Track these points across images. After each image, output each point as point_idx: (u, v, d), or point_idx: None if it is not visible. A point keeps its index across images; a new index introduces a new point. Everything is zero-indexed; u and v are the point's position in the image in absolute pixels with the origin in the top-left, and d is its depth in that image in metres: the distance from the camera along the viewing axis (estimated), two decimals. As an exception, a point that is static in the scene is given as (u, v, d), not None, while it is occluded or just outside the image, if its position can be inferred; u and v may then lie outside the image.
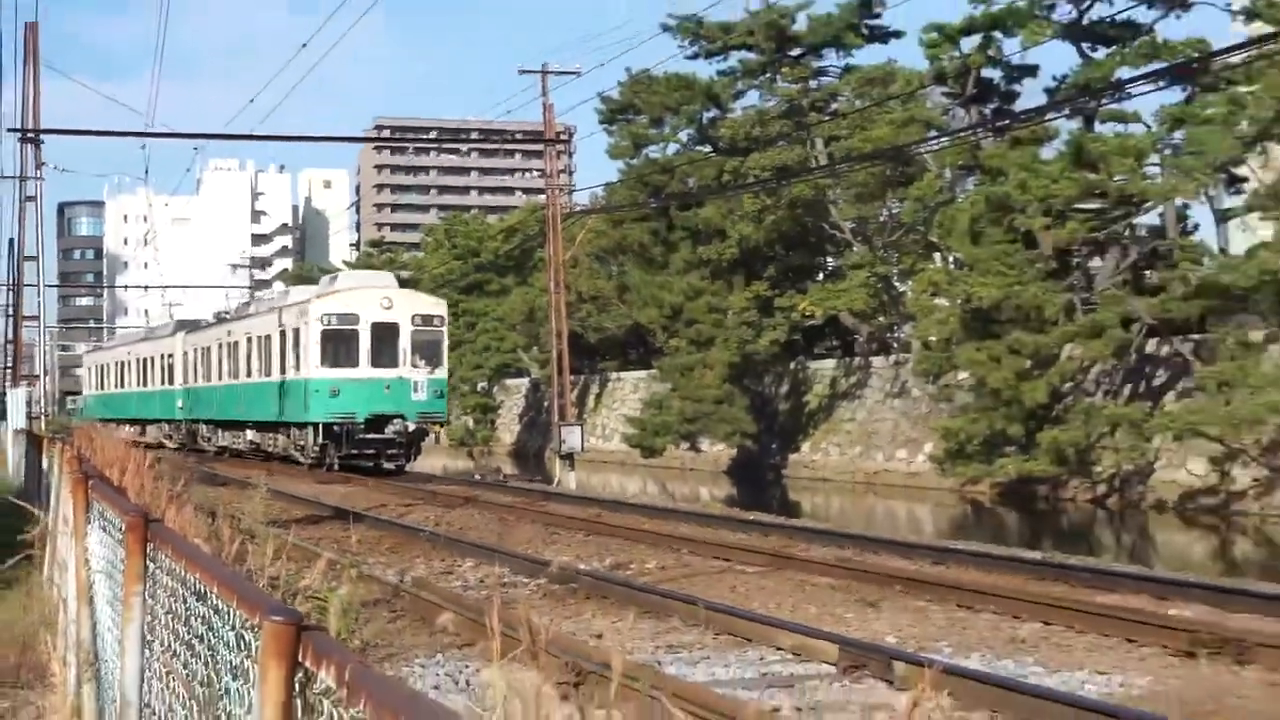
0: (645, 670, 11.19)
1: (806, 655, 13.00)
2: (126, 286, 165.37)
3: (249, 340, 49.71)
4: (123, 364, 74.39)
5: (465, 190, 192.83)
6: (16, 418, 44.28)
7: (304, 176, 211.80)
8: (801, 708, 10.96)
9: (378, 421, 41.31)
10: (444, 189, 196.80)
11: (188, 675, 4.69)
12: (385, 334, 42.13)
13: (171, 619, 5.14)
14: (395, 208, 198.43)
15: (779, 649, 13.38)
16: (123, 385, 73.89)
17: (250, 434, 50.34)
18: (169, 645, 5.18)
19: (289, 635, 3.12)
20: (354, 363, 41.78)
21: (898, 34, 62.83)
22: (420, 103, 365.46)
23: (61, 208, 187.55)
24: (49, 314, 67.16)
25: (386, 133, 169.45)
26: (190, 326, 64.23)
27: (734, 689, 11.45)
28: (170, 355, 62.58)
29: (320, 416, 41.23)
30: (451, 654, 12.98)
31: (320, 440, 42.01)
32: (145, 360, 68.72)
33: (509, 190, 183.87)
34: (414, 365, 42.13)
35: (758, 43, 62.98)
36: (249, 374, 49.35)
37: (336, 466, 41.51)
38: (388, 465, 42.48)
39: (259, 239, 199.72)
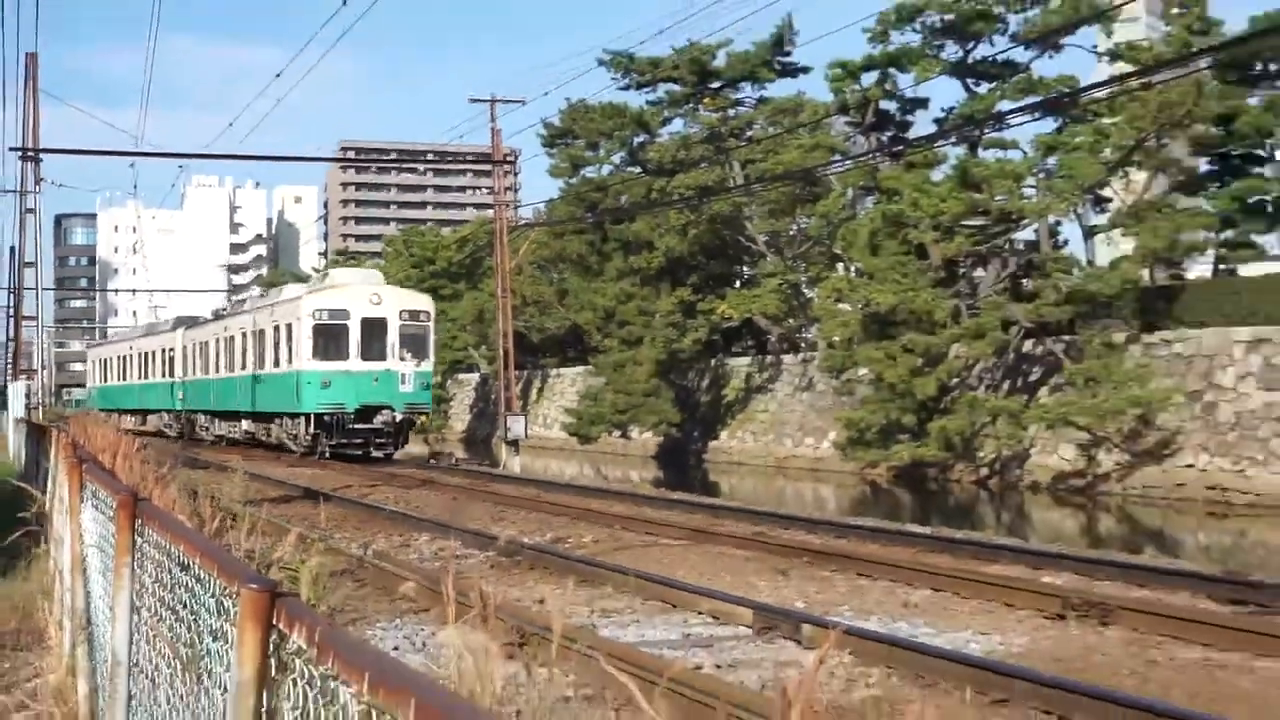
0: (582, 632, 11.19)
1: (725, 619, 13.04)
2: (117, 290, 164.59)
3: (244, 335, 46.88)
4: (125, 358, 71.17)
5: (422, 205, 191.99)
6: (16, 408, 44.22)
7: (277, 192, 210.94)
8: (720, 665, 10.97)
9: (367, 412, 39.41)
10: (403, 204, 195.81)
11: (173, 637, 4.67)
12: (374, 328, 39.99)
13: (158, 587, 5.11)
14: (359, 220, 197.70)
15: (700, 613, 13.41)
16: (125, 378, 70.52)
17: (245, 424, 47.80)
18: (155, 611, 5.16)
19: (264, 601, 3.12)
20: (344, 356, 39.68)
21: (806, 69, 63.24)
22: (382, 127, 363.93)
23: (58, 219, 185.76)
24: (46, 315, 66.35)
25: (351, 154, 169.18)
26: (189, 323, 60.87)
27: (661, 649, 11.46)
28: (170, 349, 59.37)
29: (312, 407, 39.19)
30: (410, 618, 12.95)
31: (312, 430, 39.88)
32: (147, 354, 65.58)
33: (461, 206, 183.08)
34: (402, 358, 40.08)
35: (682, 76, 63.23)
36: (244, 367, 46.74)
37: (328, 455, 39.55)
38: (377, 454, 40.18)
39: (236, 248, 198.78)
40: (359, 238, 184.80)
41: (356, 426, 39.49)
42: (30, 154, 46.04)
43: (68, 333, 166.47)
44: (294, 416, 41.26)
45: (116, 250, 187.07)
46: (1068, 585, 14.51)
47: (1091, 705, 9.08)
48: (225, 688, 3.49)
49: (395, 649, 11.19)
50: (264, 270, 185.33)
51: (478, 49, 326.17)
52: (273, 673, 3.16)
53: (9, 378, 59.48)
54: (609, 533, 21.01)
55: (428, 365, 41.61)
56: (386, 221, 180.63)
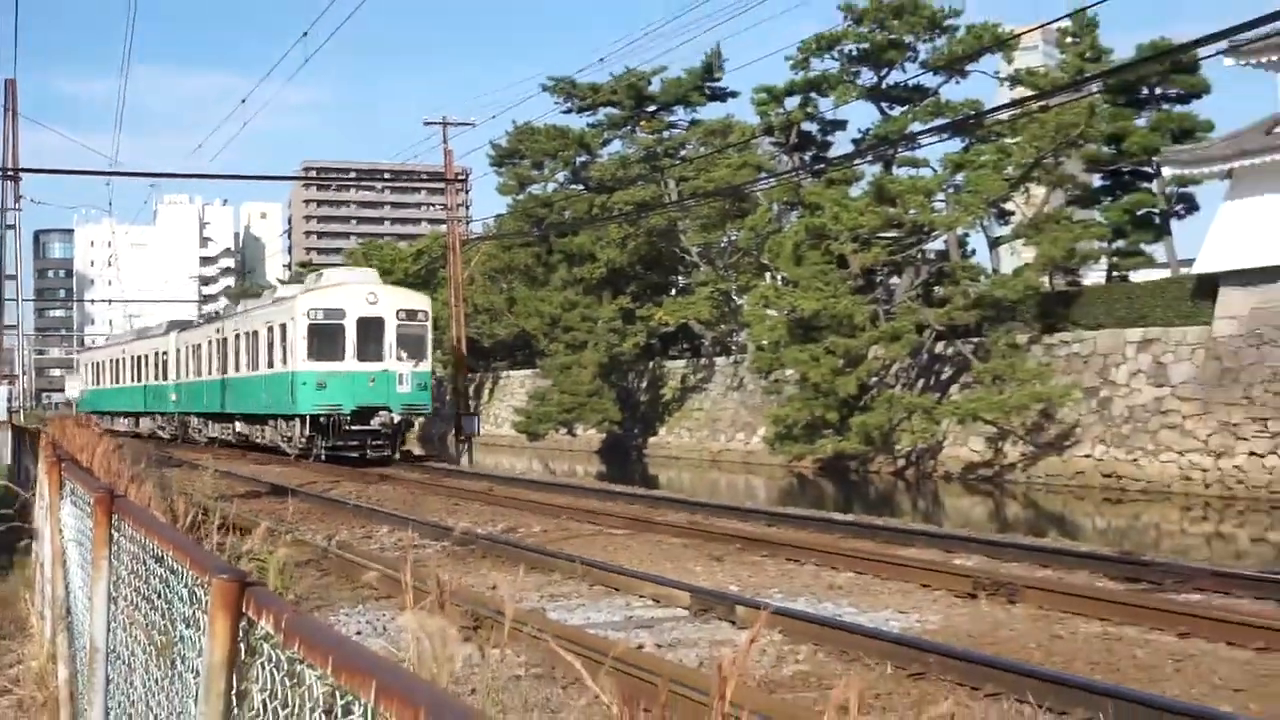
0: (532, 616, 11.15)
1: (664, 602, 13.04)
2: (93, 301, 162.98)
3: (237, 337, 43.35)
4: (118, 361, 66.25)
5: (380, 221, 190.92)
6: None
7: (244, 209, 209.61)
8: (660, 644, 10.97)
9: (364, 413, 35.71)
10: (362, 220, 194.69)
11: (148, 625, 4.62)
12: (371, 328, 36.26)
13: (133, 578, 5.06)
14: (321, 235, 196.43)
15: (642, 597, 13.41)
16: (118, 381, 65.75)
17: (239, 426, 44.06)
18: (131, 600, 5.10)
19: (234, 590, 3.08)
20: (340, 356, 35.90)
21: (734, 94, 63.67)
22: (342, 147, 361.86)
23: (37, 234, 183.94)
24: (26, 324, 66.07)
25: (314, 173, 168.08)
26: (182, 326, 57.37)
27: (605, 630, 11.46)
28: (164, 352, 54.99)
29: (307, 409, 35.51)
30: (372, 605, 12.85)
31: (308, 432, 36.27)
32: (139, 357, 60.59)
33: (416, 221, 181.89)
34: (399, 358, 36.27)
35: (620, 100, 63.43)
36: (237, 369, 43.18)
37: (324, 458, 36.01)
38: (374, 456, 36.32)
39: (206, 261, 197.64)
40: (321, 250, 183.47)
41: (353, 428, 36.09)
42: (10, 174, 45.90)
43: (46, 341, 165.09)
44: (289, 418, 37.78)
45: (93, 263, 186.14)
46: (978, 567, 14.64)
47: (1001, 676, 9.15)
48: (197, 672, 3.45)
49: (358, 633, 11.12)
50: (232, 282, 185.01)
51: (432, 75, 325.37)
52: (242, 656, 3.12)
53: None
54: (556, 523, 20.99)
55: (426, 366, 38.00)
56: (347, 236, 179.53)
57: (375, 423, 35.98)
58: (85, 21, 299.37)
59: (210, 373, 46.64)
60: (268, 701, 2.97)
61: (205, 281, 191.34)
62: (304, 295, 38.00)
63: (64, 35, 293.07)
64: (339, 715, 2.47)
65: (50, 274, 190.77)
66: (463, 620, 9.83)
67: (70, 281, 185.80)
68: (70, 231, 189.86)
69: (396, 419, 36.62)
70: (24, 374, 60.17)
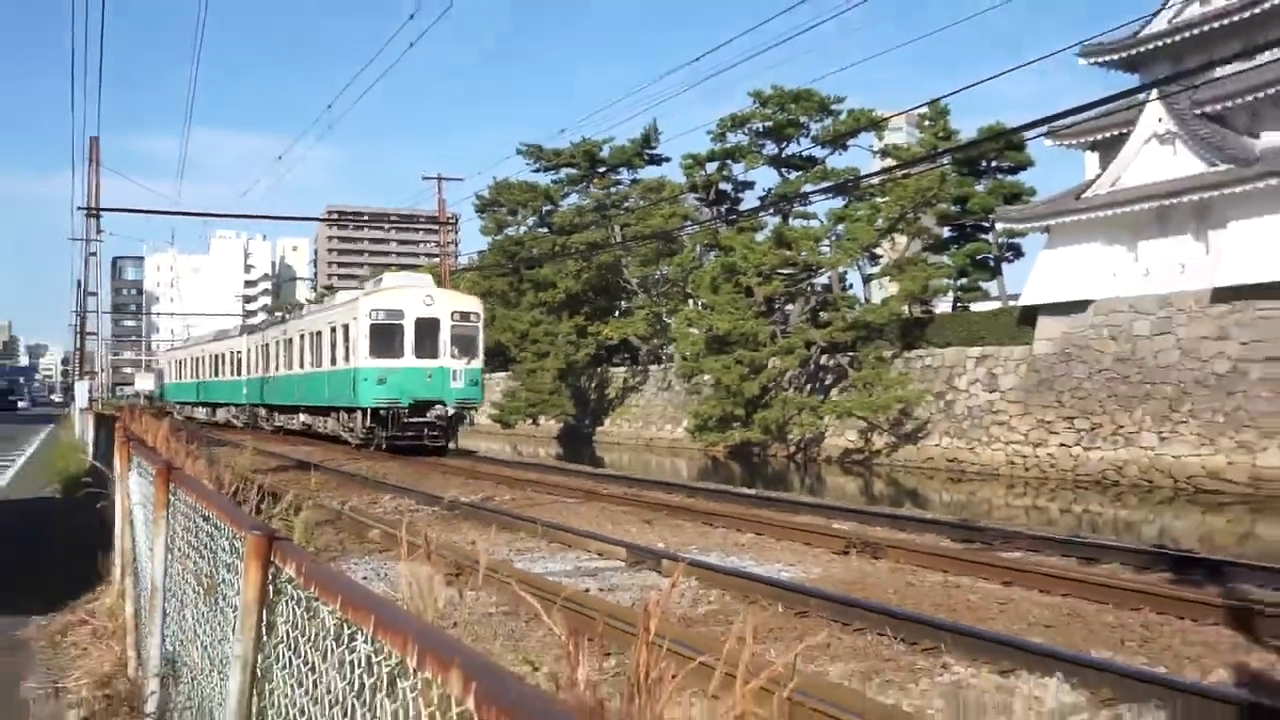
0: (502, 565, 11.14)
1: (606, 555, 13.03)
2: (158, 314, 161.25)
3: (302, 337, 39.00)
4: (198, 359, 61.12)
5: (388, 254, 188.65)
6: (81, 400, 44.38)
7: (279, 243, 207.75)
8: (602, 588, 10.97)
9: (420, 406, 31.85)
10: (373, 253, 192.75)
11: (197, 570, 4.60)
12: (427, 328, 32.20)
13: (185, 533, 5.03)
14: (340, 265, 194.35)
15: (589, 551, 13.39)
16: (197, 375, 60.57)
17: (302, 417, 39.71)
18: (184, 550, 5.07)
19: (264, 543, 3.08)
20: (399, 354, 32.00)
21: (667, 159, 64.18)
22: (358, 194, 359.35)
23: (114, 260, 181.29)
24: (105, 331, 65.57)
25: (335, 214, 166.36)
26: (252, 329, 53.54)
27: (559, 577, 11.43)
28: (238, 351, 50.45)
29: (369, 402, 31.70)
30: (376, 555, 12.75)
31: (369, 423, 32.51)
32: (217, 355, 56.01)
33: (416, 255, 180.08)
34: (453, 356, 32.27)
35: (578, 163, 63.43)
36: (302, 365, 38.80)
37: (384, 447, 32.03)
38: (430, 445, 32.55)
39: (248, 284, 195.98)
40: (341, 277, 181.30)
41: (411, 420, 31.99)
42: (93, 212, 45.62)
43: (120, 345, 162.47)
44: (351, 410, 33.46)
45: (158, 284, 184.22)
46: (850, 530, 14.73)
47: (866, 615, 9.22)
48: (235, 607, 3.44)
49: (364, 578, 11.01)
50: (269, 300, 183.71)
51: (431, 138, 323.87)
52: (270, 596, 3.12)
53: (77, 378, 58.59)
54: (523, 494, 20.89)
55: (477, 363, 33.61)
56: (361, 266, 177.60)
57: (431, 415, 32.19)
58: (156, 91, 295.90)
59: (277, 369, 42.62)
60: (289, 630, 2.98)
61: (248, 300, 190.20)
62: (366, 298, 33.53)
63: (139, 101, 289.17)
64: (345, 641, 2.47)
65: (124, 292, 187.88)
66: (447, 568, 9.81)
67: (140, 298, 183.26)
68: (141, 258, 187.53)
69: (450, 412, 32.72)
70: (102, 371, 59.79)
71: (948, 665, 7.96)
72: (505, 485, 22.40)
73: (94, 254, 48.39)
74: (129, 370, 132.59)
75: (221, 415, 54.73)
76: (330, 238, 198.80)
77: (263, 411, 45.82)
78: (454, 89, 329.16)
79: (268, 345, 44.38)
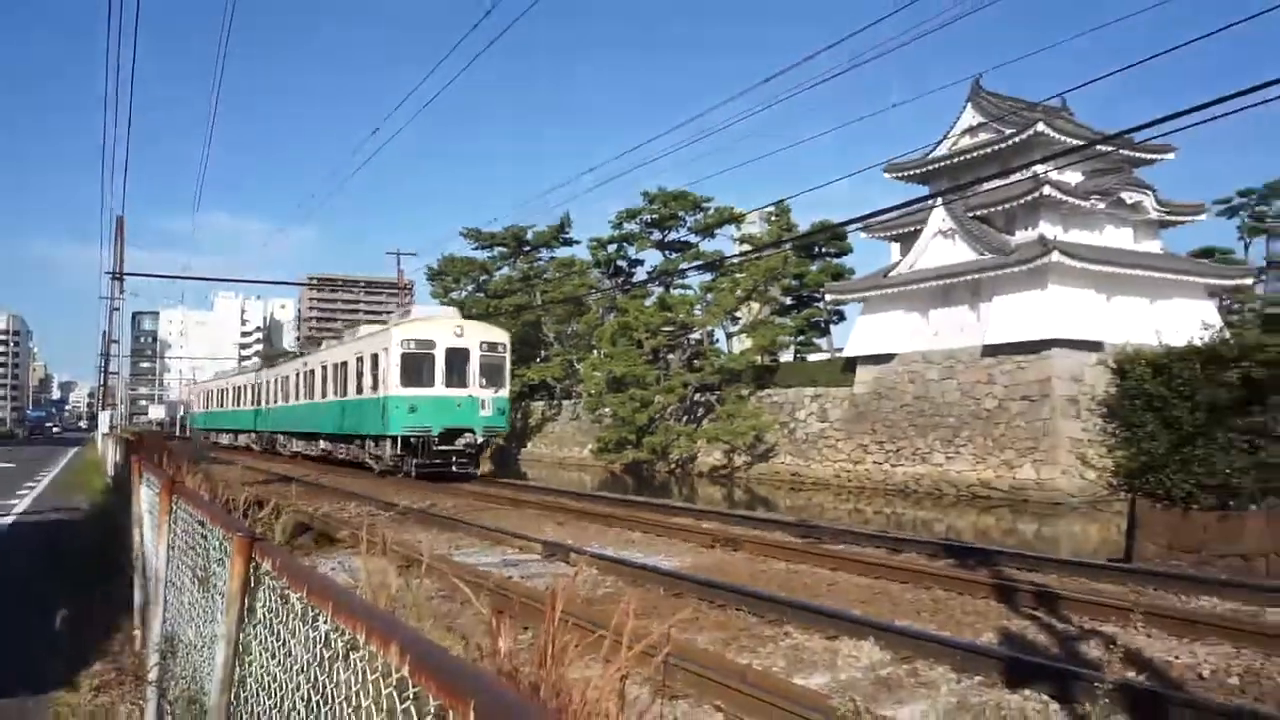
0: (443, 558, 10.90)
1: (527, 550, 12.85)
2: (169, 358, 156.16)
3: (323, 368, 33.12)
4: (222, 391, 54.96)
5: (356, 313, 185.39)
6: (104, 426, 42.77)
7: (270, 302, 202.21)
8: (524, 576, 10.78)
9: (450, 434, 26.37)
10: (346, 312, 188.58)
11: (192, 564, 4.41)
12: (457, 358, 26.82)
13: (185, 534, 4.83)
14: (319, 321, 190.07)
15: (513, 547, 13.19)
16: (222, 406, 54.41)
17: (323, 443, 34.01)
18: (182, 548, 4.87)
19: (246, 543, 2.96)
20: (430, 383, 26.59)
21: (577, 241, 63.47)
22: (335, 263, 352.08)
23: (134, 314, 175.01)
24: (125, 371, 63.18)
25: (315, 280, 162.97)
26: (270, 362, 47.46)
27: (490, 567, 11.24)
28: (256, 384, 44.71)
29: (399, 429, 26.15)
30: (343, 552, 12.39)
31: (398, 451, 26.74)
32: (238, 387, 50.16)
33: (380, 314, 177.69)
34: (481, 385, 26.94)
35: (507, 243, 63.15)
36: (323, 394, 32.89)
37: (414, 474, 26.07)
38: (458, 472, 26.96)
39: (244, 334, 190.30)
40: (320, 331, 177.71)
41: (440, 448, 26.58)
42: (118, 276, 44.24)
43: (137, 382, 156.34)
44: (380, 438, 27.59)
45: (170, 334, 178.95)
46: (715, 529, 14.73)
47: (726, 594, 9.23)
48: (222, 594, 3.30)
49: (331, 570, 10.70)
50: (261, 349, 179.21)
51: (393, 218, 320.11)
52: (251, 585, 3.00)
53: (100, 409, 56.26)
54: (462, 500, 20.52)
55: (504, 392, 28.22)
56: (336, 321, 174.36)
57: (460, 443, 26.72)
58: (173, 178, 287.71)
59: (297, 398, 36.55)
60: (266, 614, 2.87)
61: (243, 348, 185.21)
62: (398, 328, 27.63)
63: (157, 187, 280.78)
64: (310, 621, 2.39)
65: (142, 339, 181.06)
66: (398, 561, 9.54)
67: (155, 345, 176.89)
68: (156, 313, 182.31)
69: (479, 440, 27.24)
70: (122, 404, 57.72)
71: (789, 633, 7.99)
72: (445, 494, 21.96)
73: (117, 309, 46.93)
74: (144, 403, 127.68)
75: (244, 440, 48.51)
76: (311, 299, 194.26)
77: (280, 438, 39.96)
78: (412, 183, 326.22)
79: (285, 377, 38.72)
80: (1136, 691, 5.93)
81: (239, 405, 48.93)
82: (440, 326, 27.14)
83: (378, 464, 27.45)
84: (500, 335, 28.70)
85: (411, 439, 25.70)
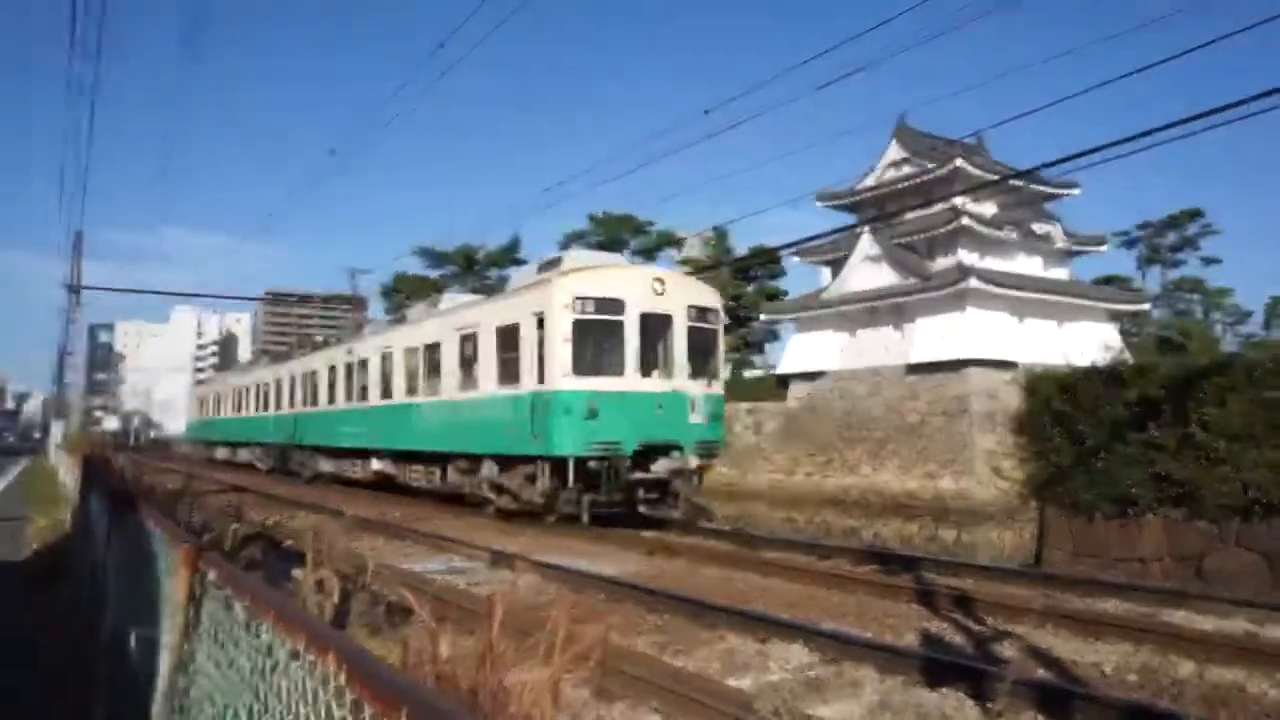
0: (390, 566, 10.71)
1: (474, 557, 12.68)
2: (124, 370, 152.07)
3: (385, 356, 21.73)
4: (219, 395, 43.72)
5: (313, 328, 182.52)
6: (56, 437, 41.57)
7: (227, 316, 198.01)
8: (470, 583, 10.64)
9: (647, 454, 15.02)
10: (302, 327, 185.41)
11: (138, 570, 4.27)
12: (656, 329, 15.40)
13: (133, 541, 4.68)
14: (276, 333, 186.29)
15: (460, 555, 13.02)
16: (220, 412, 42.99)
17: (380, 464, 22.48)
18: (130, 554, 4.72)
19: (192, 552, 2.88)
20: (617, 370, 14.94)
21: (525, 260, 63.48)
22: (292, 278, 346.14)
23: (90, 326, 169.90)
24: (81, 381, 61.34)
25: (271, 295, 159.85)
26: (277, 357, 36.83)
27: (436, 574, 11.08)
28: (265, 384, 33.21)
29: (573, 447, 14.29)
30: (291, 561, 12.11)
31: (562, 481, 14.63)
32: (245, 389, 37.74)
33: (335, 329, 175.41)
34: (690, 375, 15.72)
35: (459, 262, 62.72)
36: (388, 394, 21.35)
37: (585, 519, 14.84)
38: (657, 514, 15.92)
39: (200, 348, 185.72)
40: (274, 344, 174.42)
41: (637, 477, 15.06)
42: (75, 289, 43.07)
43: (94, 393, 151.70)
44: (529, 460, 15.54)
45: (125, 346, 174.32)
46: (654, 537, 14.69)
47: (664, 600, 9.21)
48: (169, 602, 3.20)
49: (276, 580, 10.45)
50: (217, 361, 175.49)
51: (348, 236, 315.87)
52: (197, 594, 2.91)
53: (54, 419, 54.46)
54: (411, 510, 20.18)
55: (719, 387, 16.61)
56: (292, 335, 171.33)
57: (661, 467, 15.30)
58: (132, 194, 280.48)
59: (333, 401, 25.06)
60: (211, 622, 2.78)
61: (199, 360, 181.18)
62: (564, 279, 15.40)
63: (116, 201, 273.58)
64: (254, 631, 2.32)
65: (97, 351, 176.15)
66: (346, 569, 9.34)
67: (111, 356, 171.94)
68: (112, 325, 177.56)
69: (692, 464, 15.72)
70: (76, 414, 55.96)
71: (723, 636, 7.99)
72: (395, 504, 21.57)
73: (74, 321, 45.66)
74: (99, 414, 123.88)
75: (244, 456, 37.76)
76: (268, 313, 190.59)
77: (296, 454, 28.91)
78: (365, 201, 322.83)
79: (314, 372, 27.41)
80: (1042, 688, 6.05)
81: (247, 410, 36.80)
82: (629, 279, 15.76)
83: (511, 500, 16.32)
84: (711, 296, 17.01)
85: (591, 463, 14.44)
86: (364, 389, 23.08)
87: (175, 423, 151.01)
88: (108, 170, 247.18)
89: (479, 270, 63.14)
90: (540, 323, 15.08)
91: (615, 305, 15.00)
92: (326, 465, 26.36)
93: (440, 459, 19.16)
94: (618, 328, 14.96)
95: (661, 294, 15.63)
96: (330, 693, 1.65)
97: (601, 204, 69.77)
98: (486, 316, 17.37)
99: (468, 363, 17.73)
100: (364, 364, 23.26)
